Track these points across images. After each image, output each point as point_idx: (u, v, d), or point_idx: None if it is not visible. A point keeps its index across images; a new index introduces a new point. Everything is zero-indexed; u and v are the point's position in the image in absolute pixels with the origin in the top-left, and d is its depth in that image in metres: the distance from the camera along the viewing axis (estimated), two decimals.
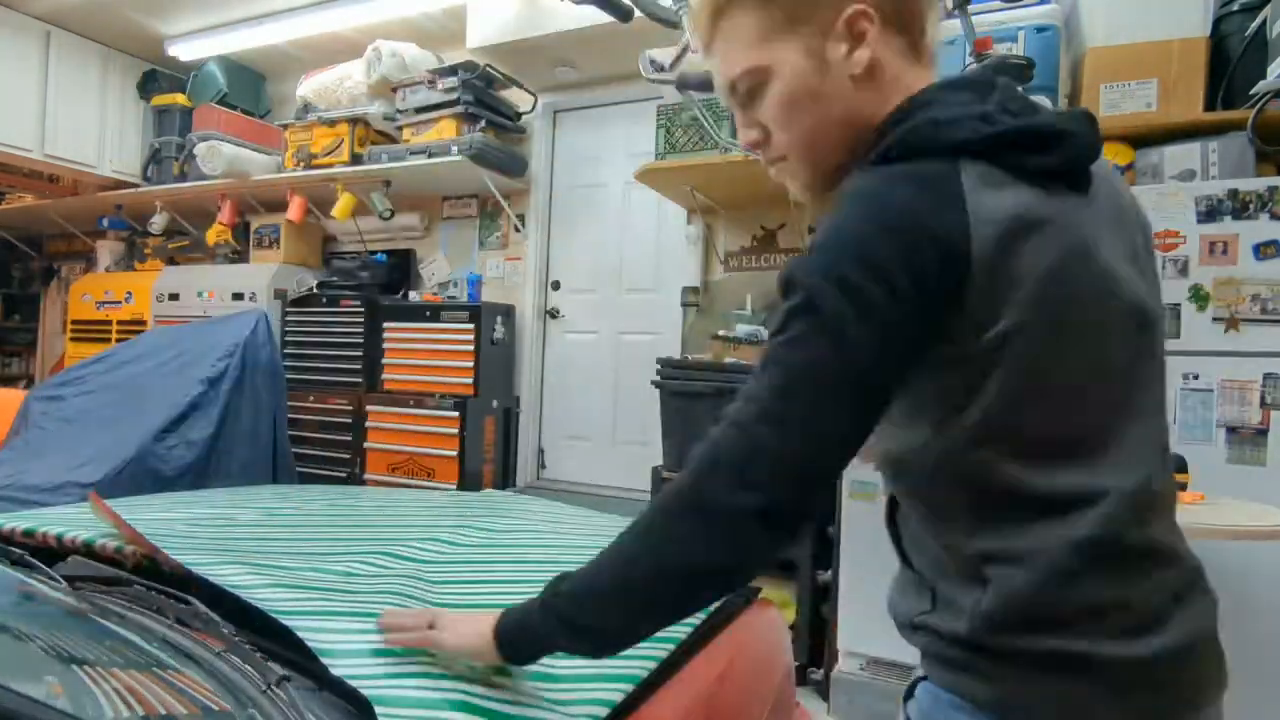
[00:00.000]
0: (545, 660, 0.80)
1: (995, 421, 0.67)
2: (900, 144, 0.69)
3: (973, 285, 0.64)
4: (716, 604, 1.16)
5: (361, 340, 4.04)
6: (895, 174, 0.68)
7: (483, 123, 3.84)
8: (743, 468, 0.65)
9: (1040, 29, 2.49)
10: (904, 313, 0.64)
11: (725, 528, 0.66)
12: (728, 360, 2.91)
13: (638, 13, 1.81)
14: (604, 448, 4.03)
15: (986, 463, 0.67)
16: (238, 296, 4.29)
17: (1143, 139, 2.43)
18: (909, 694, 0.80)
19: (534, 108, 4.09)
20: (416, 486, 3.72)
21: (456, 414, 3.69)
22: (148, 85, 4.83)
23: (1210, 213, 2.17)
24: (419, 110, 3.91)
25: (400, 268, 4.43)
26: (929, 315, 0.65)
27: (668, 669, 1.10)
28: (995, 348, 0.65)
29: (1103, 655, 0.65)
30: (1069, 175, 0.70)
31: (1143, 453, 0.70)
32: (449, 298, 4.20)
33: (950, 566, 0.72)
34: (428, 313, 3.87)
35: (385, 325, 3.94)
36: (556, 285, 4.21)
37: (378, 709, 0.73)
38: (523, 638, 0.77)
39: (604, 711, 0.87)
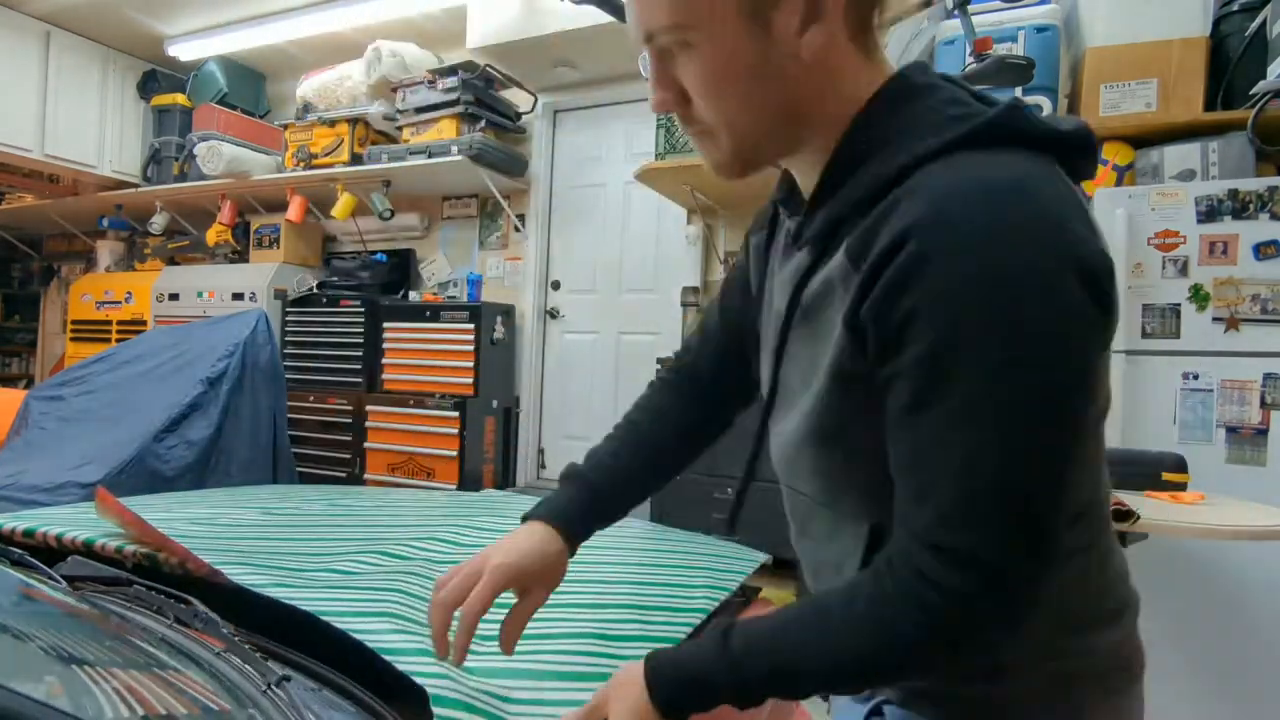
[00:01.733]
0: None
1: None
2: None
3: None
4: (716, 605, 1.17)
5: (361, 340, 4.04)
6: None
7: (483, 123, 3.84)
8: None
9: (1040, 29, 2.49)
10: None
11: None
12: None
13: None
14: None
15: None
16: (238, 296, 4.29)
17: (1143, 139, 2.43)
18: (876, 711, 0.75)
19: (534, 108, 4.09)
20: (416, 487, 3.72)
21: (456, 414, 3.70)
22: (148, 85, 4.83)
23: (1210, 213, 2.17)
24: (419, 110, 3.91)
25: (400, 268, 4.44)
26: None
27: None
28: None
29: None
30: None
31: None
32: (449, 298, 4.21)
33: None
34: (428, 313, 3.87)
35: (385, 325, 3.94)
36: (556, 285, 4.21)
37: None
38: (691, 695, 0.63)
39: None
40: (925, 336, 0.55)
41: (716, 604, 1.17)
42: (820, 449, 0.67)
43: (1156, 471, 1.83)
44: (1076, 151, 0.61)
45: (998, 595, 0.55)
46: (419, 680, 0.76)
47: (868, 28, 0.63)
